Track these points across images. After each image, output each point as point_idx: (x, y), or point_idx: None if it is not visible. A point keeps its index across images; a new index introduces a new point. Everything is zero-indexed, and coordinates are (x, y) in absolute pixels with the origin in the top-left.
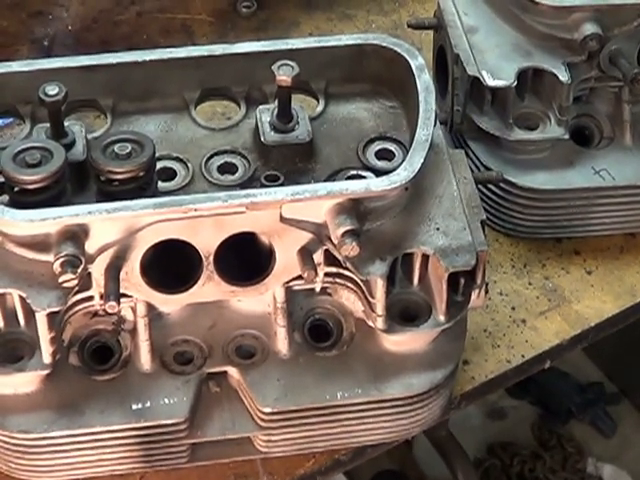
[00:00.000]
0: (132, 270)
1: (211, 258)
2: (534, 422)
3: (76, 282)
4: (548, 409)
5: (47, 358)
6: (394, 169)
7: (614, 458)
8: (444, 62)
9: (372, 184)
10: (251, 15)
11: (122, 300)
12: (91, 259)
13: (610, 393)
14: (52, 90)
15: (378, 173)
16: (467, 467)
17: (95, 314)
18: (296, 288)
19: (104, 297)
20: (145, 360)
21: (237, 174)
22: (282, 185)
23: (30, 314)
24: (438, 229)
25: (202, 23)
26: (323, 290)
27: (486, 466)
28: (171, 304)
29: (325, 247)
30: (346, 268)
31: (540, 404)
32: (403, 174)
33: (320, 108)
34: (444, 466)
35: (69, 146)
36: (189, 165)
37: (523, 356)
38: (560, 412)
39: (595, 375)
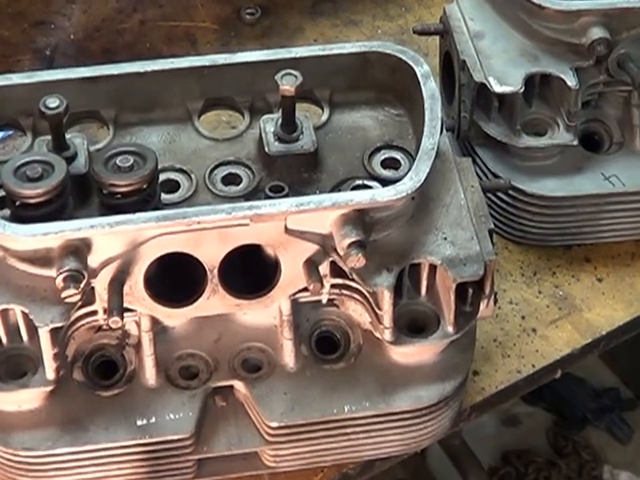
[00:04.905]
0: (136, 284)
1: (215, 271)
2: (549, 429)
3: (79, 297)
4: (563, 415)
5: (51, 374)
6: (400, 178)
7: (630, 465)
8: (450, 68)
9: (378, 194)
10: (255, 22)
11: (126, 314)
12: (94, 273)
13: (626, 399)
14: (53, 103)
15: (384, 182)
16: (481, 476)
17: (99, 329)
18: (302, 300)
19: (108, 312)
20: (150, 375)
21: (241, 185)
22: (287, 196)
23: (33, 330)
24: (445, 239)
25: (206, 31)
26: (330, 302)
27: (501, 474)
28: (176, 318)
29: (331, 258)
30: (352, 279)
31: (555, 410)
32: (409, 184)
33: (325, 117)
34: (458, 475)
35: (71, 159)
36: (193, 176)
37: (534, 366)
38: (575, 418)
39: (611, 381)
